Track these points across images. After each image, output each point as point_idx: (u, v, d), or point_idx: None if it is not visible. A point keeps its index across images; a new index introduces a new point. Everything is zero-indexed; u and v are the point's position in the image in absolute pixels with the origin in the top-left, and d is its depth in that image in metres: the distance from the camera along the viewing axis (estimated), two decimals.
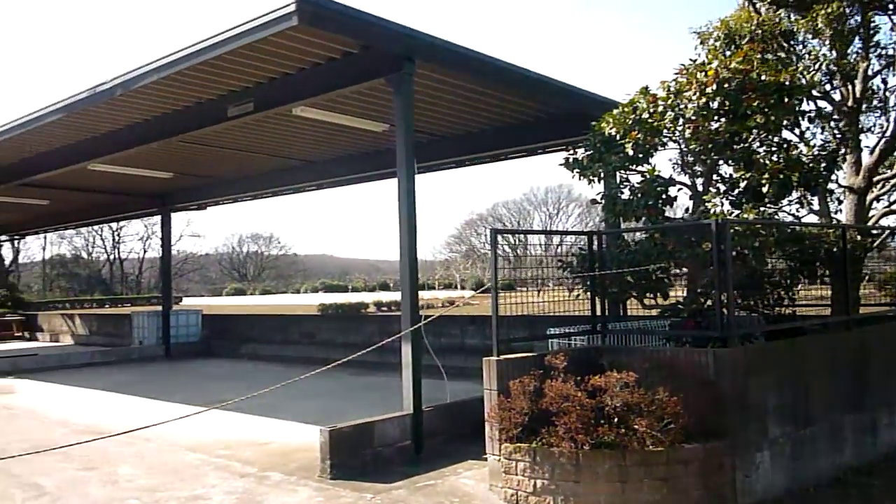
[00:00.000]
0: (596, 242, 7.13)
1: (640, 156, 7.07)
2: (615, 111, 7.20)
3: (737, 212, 6.74)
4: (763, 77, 6.73)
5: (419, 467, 6.97)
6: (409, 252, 7.63)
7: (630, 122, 7.02)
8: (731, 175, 7.12)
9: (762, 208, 6.85)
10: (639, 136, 6.92)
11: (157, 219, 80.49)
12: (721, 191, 7.16)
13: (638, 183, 7.14)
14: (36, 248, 76.38)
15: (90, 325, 23.20)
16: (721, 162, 7.13)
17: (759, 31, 8.45)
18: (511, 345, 6.56)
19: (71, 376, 14.47)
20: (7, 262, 36.68)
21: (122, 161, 13.32)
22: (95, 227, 77.91)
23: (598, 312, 7.23)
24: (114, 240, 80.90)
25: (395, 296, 35.78)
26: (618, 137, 7.08)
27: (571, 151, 7.58)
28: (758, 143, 7.04)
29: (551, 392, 5.78)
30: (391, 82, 7.81)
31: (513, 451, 5.78)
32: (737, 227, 6.11)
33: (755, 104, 6.60)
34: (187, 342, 18.43)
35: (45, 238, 75.52)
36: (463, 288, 56.57)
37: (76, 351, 19.02)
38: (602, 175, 7.39)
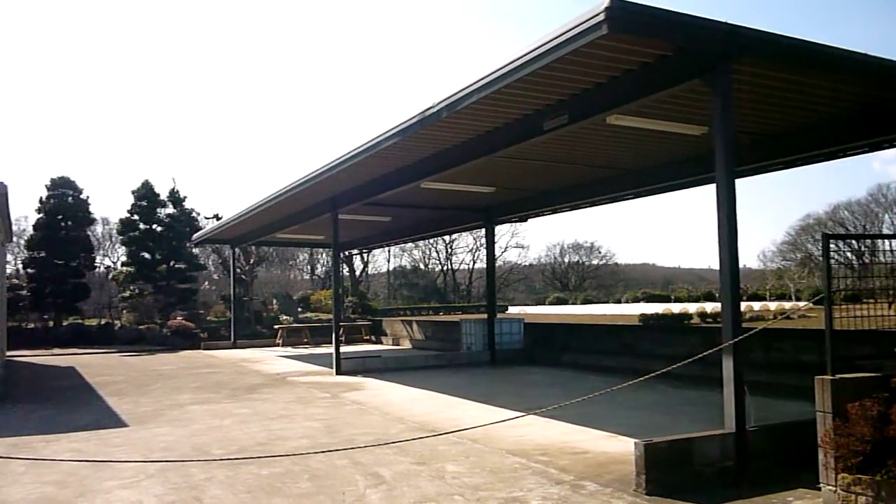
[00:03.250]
0: None
1: None
2: None
3: None
4: None
5: (741, 491, 6.49)
6: (729, 260, 7.17)
7: None
8: None
9: None
10: None
11: (484, 231, 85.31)
12: None
13: None
14: (382, 260, 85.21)
15: (425, 331, 25.28)
16: None
17: None
18: (854, 363, 5.86)
19: (409, 377, 15.88)
20: (357, 273, 41.10)
21: (449, 178, 14.37)
22: (431, 241, 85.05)
23: None
24: (447, 252, 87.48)
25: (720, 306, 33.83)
26: None
27: None
28: None
29: None
30: (708, 82, 7.42)
31: (852, 483, 5.14)
32: None
33: None
34: (510, 349, 19.24)
35: (388, 251, 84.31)
36: (798, 299, 51.87)
37: (413, 354, 20.88)
38: None
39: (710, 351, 7.19)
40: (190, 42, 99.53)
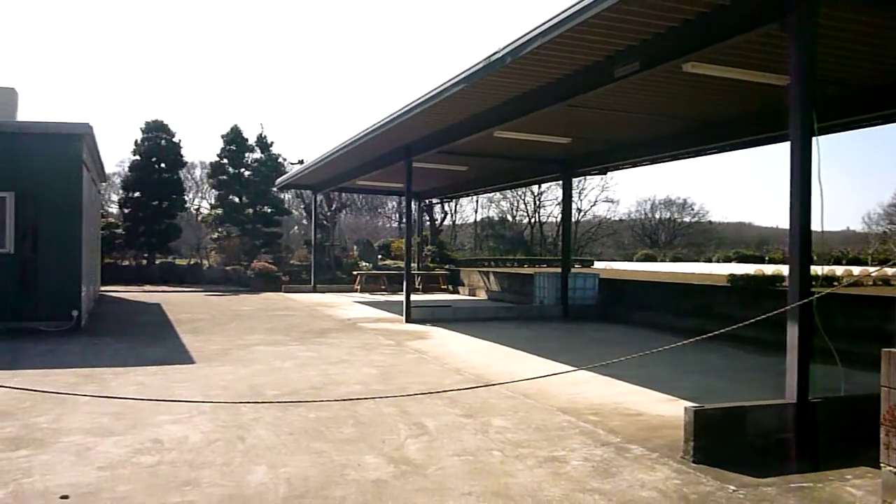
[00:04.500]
0: None
1: None
2: None
3: None
4: None
5: (797, 465, 6.12)
6: (800, 218, 6.66)
7: None
8: None
9: None
10: None
11: (575, 185, 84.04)
12: None
13: None
14: (469, 210, 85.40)
15: (502, 283, 25.13)
16: None
17: None
18: None
19: (476, 328, 15.80)
20: (438, 222, 41.16)
21: (523, 128, 13.99)
22: (519, 193, 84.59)
23: None
24: (535, 204, 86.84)
25: (816, 269, 32.32)
26: None
27: None
28: None
29: None
30: (786, 27, 6.83)
31: None
32: None
33: None
34: (584, 304, 18.88)
35: (476, 202, 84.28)
36: None
37: (484, 305, 20.78)
38: None
39: (772, 313, 6.75)
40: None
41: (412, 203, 19.08)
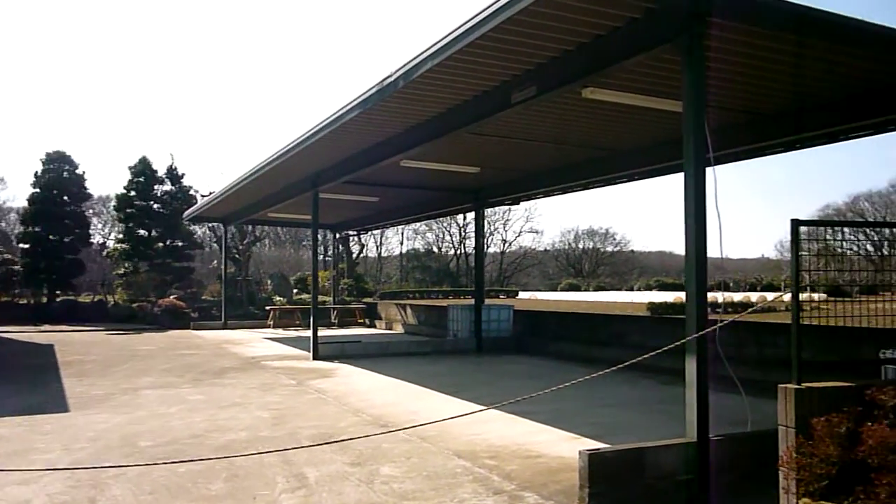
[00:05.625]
0: None
1: None
2: None
3: None
4: None
5: None
6: (695, 245, 6.35)
7: None
8: None
9: None
10: None
11: (500, 216, 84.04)
12: None
13: None
14: (395, 242, 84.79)
15: (419, 316, 24.58)
16: None
17: None
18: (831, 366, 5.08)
19: (385, 364, 15.17)
20: (354, 255, 40.49)
21: (430, 157, 13.63)
22: (445, 224, 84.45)
23: None
24: (460, 235, 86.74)
25: (736, 297, 33.03)
26: None
27: None
28: None
29: (872, 438, 4.29)
30: (678, 48, 6.59)
31: None
32: None
33: None
34: (499, 337, 18.46)
35: (402, 234, 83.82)
36: (814, 291, 50.58)
37: (397, 340, 20.16)
38: None
39: (672, 345, 6.42)
40: (186, 18, 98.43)
41: (319, 235, 18.42)
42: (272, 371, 14.37)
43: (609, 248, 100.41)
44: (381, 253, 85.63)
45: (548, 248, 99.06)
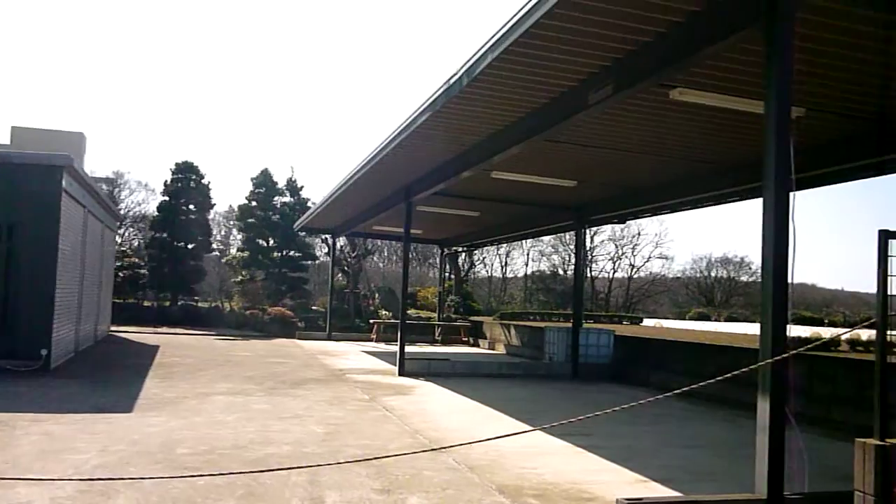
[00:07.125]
0: None
1: None
2: None
3: None
4: None
5: None
6: (773, 270, 5.37)
7: None
8: None
9: None
10: None
11: (628, 239, 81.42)
12: None
13: None
14: (520, 263, 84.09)
15: (522, 337, 23.70)
16: None
17: None
18: None
19: (469, 385, 14.46)
20: (462, 272, 40.06)
21: (520, 168, 12.94)
22: (570, 246, 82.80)
23: None
24: (587, 258, 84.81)
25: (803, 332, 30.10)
26: None
27: None
28: None
29: None
30: (761, 30, 5.63)
31: None
32: None
33: None
34: (597, 363, 17.31)
35: (527, 255, 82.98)
36: None
37: (490, 360, 19.39)
38: None
39: (728, 374, 5.43)
40: (309, 34, 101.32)
41: (411, 248, 17.93)
42: (351, 384, 13.99)
43: (744, 278, 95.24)
44: (505, 273, 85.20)
45: (678, 276, 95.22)
